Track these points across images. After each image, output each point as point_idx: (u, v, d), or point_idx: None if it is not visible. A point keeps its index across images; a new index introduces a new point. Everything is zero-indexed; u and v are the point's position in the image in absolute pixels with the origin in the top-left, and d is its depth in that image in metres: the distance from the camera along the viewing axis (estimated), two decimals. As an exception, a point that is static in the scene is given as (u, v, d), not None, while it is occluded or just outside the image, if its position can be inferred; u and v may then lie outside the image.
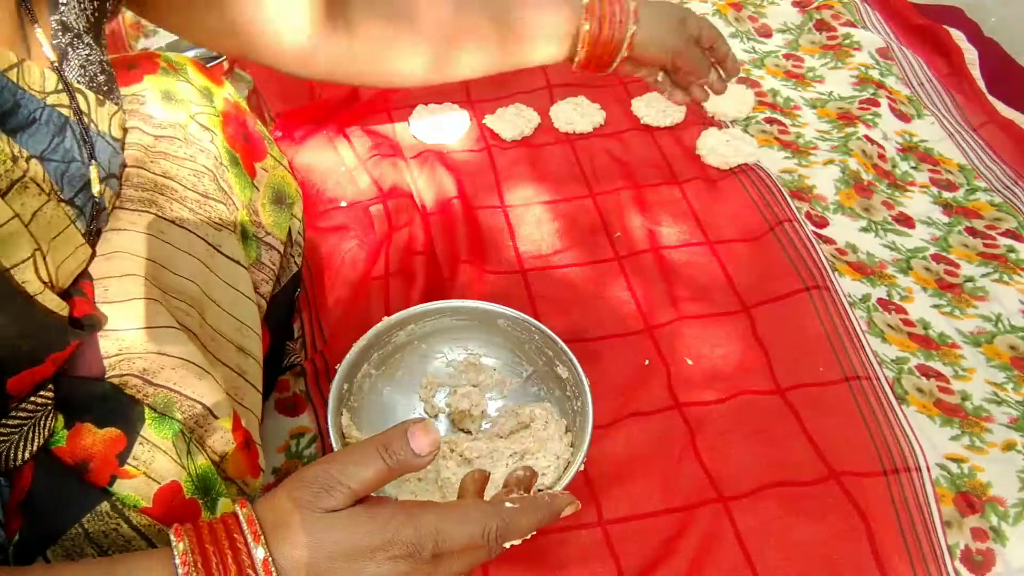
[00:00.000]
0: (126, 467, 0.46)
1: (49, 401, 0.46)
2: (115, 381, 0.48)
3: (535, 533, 0.45)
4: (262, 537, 0.39)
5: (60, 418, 0.46)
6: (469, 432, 0.70)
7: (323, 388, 0.73)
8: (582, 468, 0.62)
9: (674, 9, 0.78)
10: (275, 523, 0.40)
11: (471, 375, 0.73)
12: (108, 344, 0.48)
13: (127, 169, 0.56)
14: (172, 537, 0.39)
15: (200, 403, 0.50)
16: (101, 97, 0.52)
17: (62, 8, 0.48)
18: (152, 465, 0.47)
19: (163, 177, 0.57)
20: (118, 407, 0.47)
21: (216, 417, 0.51)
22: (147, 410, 0.48)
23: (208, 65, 0.90)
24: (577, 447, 0.63)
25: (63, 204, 0.46)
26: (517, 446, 0.65)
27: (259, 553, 0.38)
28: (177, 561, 0.38)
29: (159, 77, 0.61)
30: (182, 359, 0.50)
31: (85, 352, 0.48)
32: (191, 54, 0.99)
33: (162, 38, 1.20)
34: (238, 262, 0.59)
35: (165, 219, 0.55)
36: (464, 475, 0.48)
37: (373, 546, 0.39)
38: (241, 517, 0.40)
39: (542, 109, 1.06)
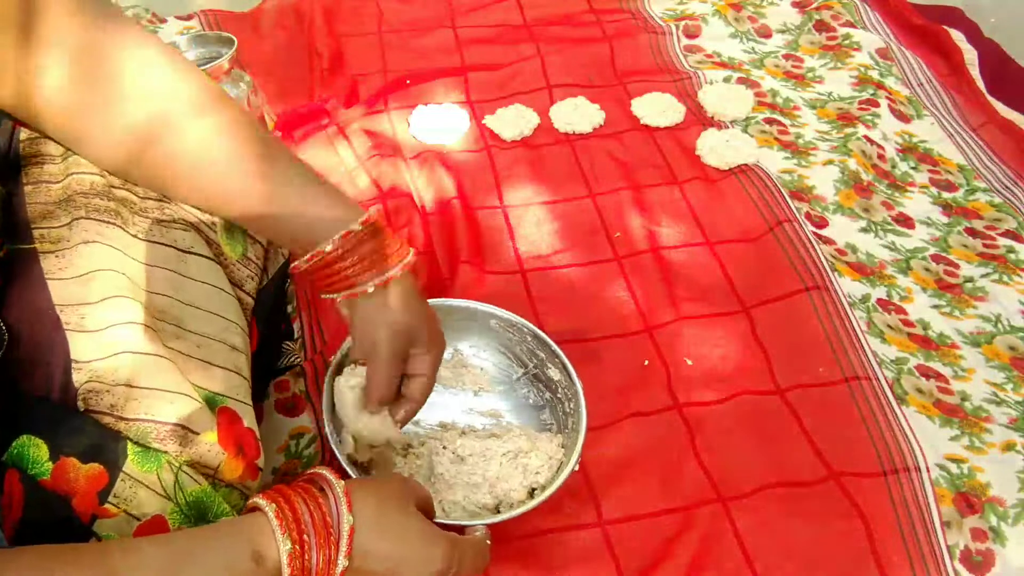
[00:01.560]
0: (107, 506, 0.46)
1: None
2: (96, 419, 0.47)
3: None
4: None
5: (44, 448, 0.46)
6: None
7: (323, 389, 0.73)
8: (576, 469, 0.62)
9: (398, 318, 0.58)
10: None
11: (459, 374, 0.73)
12: (80, 376, 0.47)
13: (93, 178, 0.55)
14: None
15: (179, 425, 0.49)
16: None
17: None
18: (133, 502, 0.46)
19: (120, 188, 0.56)
20: (101, 442, 0.47)
21: (197, 433, 0.50)
22: (130, 445, 0.47)
23: (207, 66, 0.90)
24: (569, 448, 0.63)
25: None
26: (510, 445, 0.65)
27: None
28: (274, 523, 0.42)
29: None
30: (150, 388, 0.49)
31: (60, 377, 0.47)
32: (192, 56, 0.99)
33: (162, 38, 1.20)
34: (211, 259, 0.59)
35: (128, 233, 0.54)
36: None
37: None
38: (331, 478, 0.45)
39: (542, 109, 1.06)
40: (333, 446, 0.61)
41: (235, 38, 0.98)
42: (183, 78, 0.54)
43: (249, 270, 0.63)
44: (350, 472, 0.59)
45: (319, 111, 1.04)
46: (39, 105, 0.52)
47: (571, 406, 0.66)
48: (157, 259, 0.55)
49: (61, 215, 0.53)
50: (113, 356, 0.48)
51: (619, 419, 0.72)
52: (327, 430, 0.61)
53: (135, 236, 0.54)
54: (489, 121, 1.04)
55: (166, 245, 0.56)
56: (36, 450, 0.45)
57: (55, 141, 0.55)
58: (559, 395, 0.68)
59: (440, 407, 0.71)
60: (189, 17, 1.26)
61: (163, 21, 1.25)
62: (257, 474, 0.55)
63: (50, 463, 0.45)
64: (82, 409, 0.47)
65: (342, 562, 0.42)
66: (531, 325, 0.69)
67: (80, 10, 0.51)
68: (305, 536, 0.42)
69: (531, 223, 0.91)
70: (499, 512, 0.61)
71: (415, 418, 0.70)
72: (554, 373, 0.68)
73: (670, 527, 0.65)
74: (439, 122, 1.03)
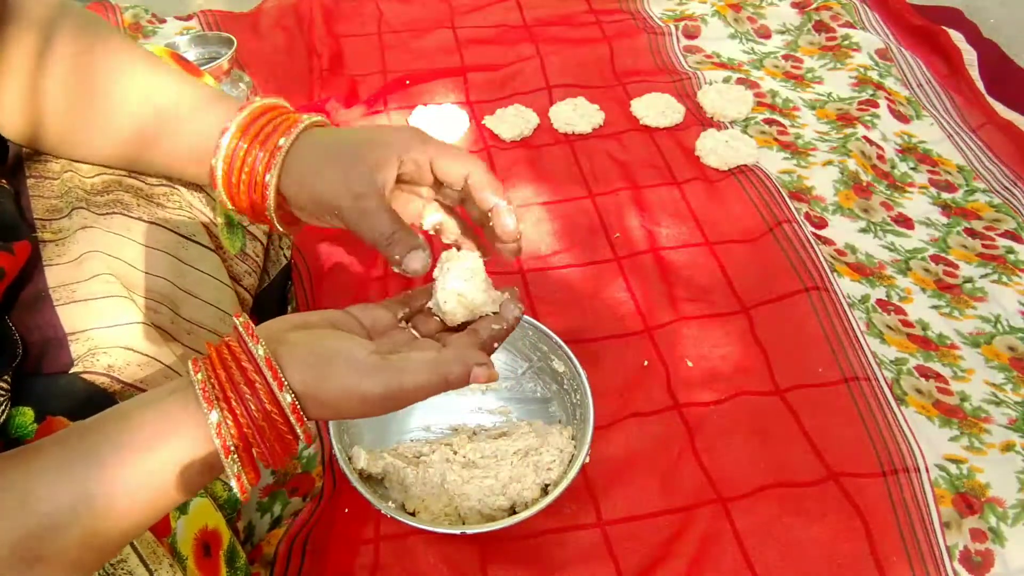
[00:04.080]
0: None
1: (4, 393, 0.46)
2: (86, 378, 0.48)
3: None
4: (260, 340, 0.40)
5: (29, 413, 0.46)
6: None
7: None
8: (587, 460, 0.62)
9: (364, 143, 0.49)
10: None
11: None
12: (78, 347, 0.48)
13: (93, 180, 0.56)
14: (190, 368, 0.40)
15: None
16: None
17: None
18: None
19: (128, 177, 0.57)
20: (91, 400, 0.47)
21: None
22: None
23: (207, 66, 0.90)
24: (580, 440, 0.64)
25: None
26: (520, 443, 0.65)
27: (259, 351, 0.40)
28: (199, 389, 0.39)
29: None
30: (149, 356, 0.50)
31: (56, 353, 0.48)
32: (192, 57, 0.99)
33: (161, 38, 1.20)
34: (212, 250, 0.59)
35: (131, 217, 0.55)
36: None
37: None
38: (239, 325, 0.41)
39: (541, 110, 1.06)
40: (342, 464, 0.61)
41: (235, 38, 0.98)
42: (169, 85, 0.55)
43: (247, 265, 0.64)
44: (360, 489, 0.59)
45: (318, 111, 1.04)
46: (42, 127, 0.54)
47: (577, 397, 0.67)
48: (159, 242, 0.56)
49: (63, 207, 0.53)
50: (112, 327, 0.49)
51: (619, 419, 0.72)
52: (335, 449, 0.61)
53: (139, 219, 0.55)
54: (489, 121, 1.04)
55: (169, 230, 0.56)
56: (21, 418, 0.45)
57: (54, 156, 0.56)
58: (565, 386, 0.69)
59: (449, 410, 0.71)
60: (189, 17, 1.26)
61: (163, 21, 1.25)
62: None
63: (35, 425, 0.45)
64: (76, 369, 0.47)
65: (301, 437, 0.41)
66: (531, 319, 0.69)
67: (79, 40, 0.53)
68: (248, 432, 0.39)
69: (530, 223, 0.91)
70: (515, 512, 0.61)
71: (426, 423, 0.70)
72: (558, 365, 0.69)
73: (669, 527, 0.65)
74: (439, 122, 1.03)
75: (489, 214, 0.49)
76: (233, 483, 0.39)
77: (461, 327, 0.49)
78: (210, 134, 0.52)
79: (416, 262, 0.47)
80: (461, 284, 0.48)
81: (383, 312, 0.48)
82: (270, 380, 0.39)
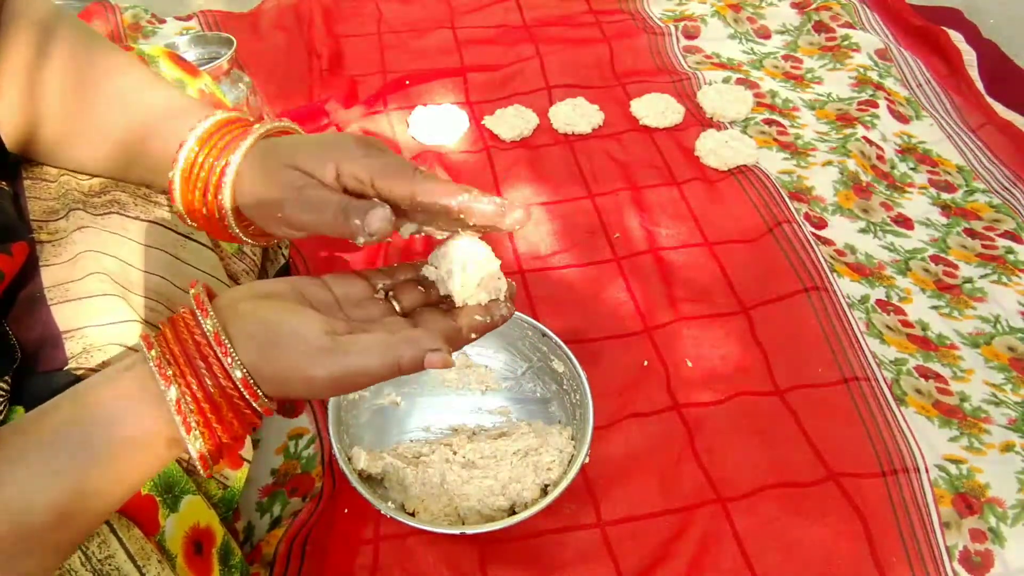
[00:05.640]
0: None
1: (3, 395, 0.46)
2: (80, 375, 0.48)
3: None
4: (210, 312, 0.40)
5: (21, 412, 0.46)
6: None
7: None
8: (587, 460, 0.62)
9: (302, 147, 0.46)
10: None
11: (465, 375, 0.73)
12: (73, 344, 0.48)
13: (91, 181, 0.56)
14: (144, 349, 0.40)
15: None
16: None
17: None
18: None
19: None
20: None
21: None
22: None
23: (206, 67, 0.90)
24: (579, 440, 0.64)
25: None
26: (520, 444, 0.65)
27: (208, 325, 0.40)
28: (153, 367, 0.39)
29: None
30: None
31: (52, 351, 0.48)
32: (191, 57, 0.99)
33: (161, 38, 1.20)
34: (210, 248, 0.59)
35: (128, 216, 0.55)
36: None
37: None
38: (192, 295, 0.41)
39: (541, 110, 1.06)
40: (342, 465, 0.61)
41: (234, 38, 0.98)
42: (160, 95, 0.55)
43: (245, 264, 0.64)
44: (360, 489, 0.59)
45: (318, 111, 1.04)
46: (37, 131, 0.54)
47: (577, 397, 0.67)
48: (156, 241, 0.56)
49: (59, 209, 0.54)
50: (106, 325, 0.49)
51: (618, 420, 0.72)
52: (335, 449, 0.62)
53: (136, 218, 0.55)
54: (488, 122, 1.04)
55: (166, 228, 0.56)
56: (13, 416, 0.45)
57: (47, 164, 0.56)
58: (565, 387, 0.69)
59: (449, 410, 0.72)
60: (188, 17, 1.26)
61: (162, 21, 1.25)
62: (240, 463, 0.55)
63: None
64: (71, 367, 0.47)
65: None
66: (531, 319, 0.70)
67: (75, 50, 0.53)
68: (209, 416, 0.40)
69: (530, 223, 0.91)
70: (514, 512, 0.61)
71: (426, 424, 0.70)
72: (558, 365, 0.69)
73: (669, 528, 0.65)
74: (438, 123, 1.03)
75: (462, 216, 0.43)
76: (193, 453, 0.39)
77: (446, 303, 0.46)
78: (174, 145, 0.50)
79: (377, 219, 0.42)
80: (465, 259, 0.45)
81: (360, 282, 0.46)
82: (220, 356, 0.39)
